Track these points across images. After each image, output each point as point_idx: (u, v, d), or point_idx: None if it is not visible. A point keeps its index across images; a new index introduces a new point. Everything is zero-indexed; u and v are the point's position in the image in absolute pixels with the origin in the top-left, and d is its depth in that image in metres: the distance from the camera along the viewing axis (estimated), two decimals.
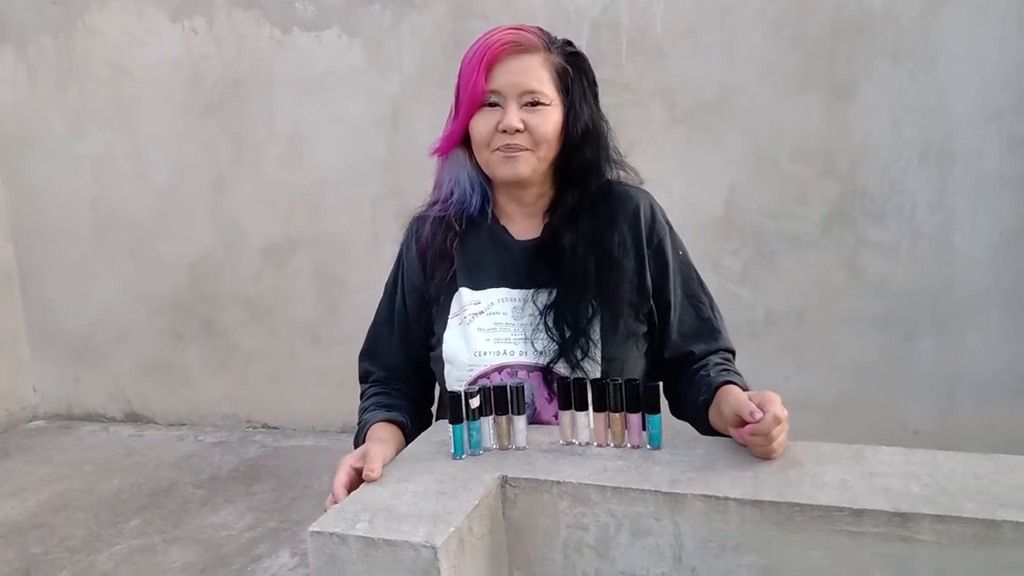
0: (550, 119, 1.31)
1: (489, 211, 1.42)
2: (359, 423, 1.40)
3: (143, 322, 4.21)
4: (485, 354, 1.32)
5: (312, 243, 3.88)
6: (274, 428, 4.07)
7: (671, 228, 1.42)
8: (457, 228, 1.40)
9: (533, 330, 1.32)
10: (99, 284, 4.26)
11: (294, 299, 3.95)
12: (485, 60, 1.29)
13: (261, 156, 3.87)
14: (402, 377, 1.47)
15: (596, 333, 1.31)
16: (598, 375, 1.29)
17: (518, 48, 1.30)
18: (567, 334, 1.29)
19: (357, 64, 3.65)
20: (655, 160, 3.10)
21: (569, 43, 1.38)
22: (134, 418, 4.33)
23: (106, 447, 3.98)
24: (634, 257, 1.36)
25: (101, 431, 4.23)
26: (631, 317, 1.35)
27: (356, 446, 1.34)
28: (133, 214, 4.12)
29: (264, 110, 3.82)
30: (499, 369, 1.31)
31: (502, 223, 1.42)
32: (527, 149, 1.30)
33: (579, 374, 1.28)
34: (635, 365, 1.37)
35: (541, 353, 1.30)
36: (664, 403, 1.32)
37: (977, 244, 3.00)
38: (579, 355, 1.29)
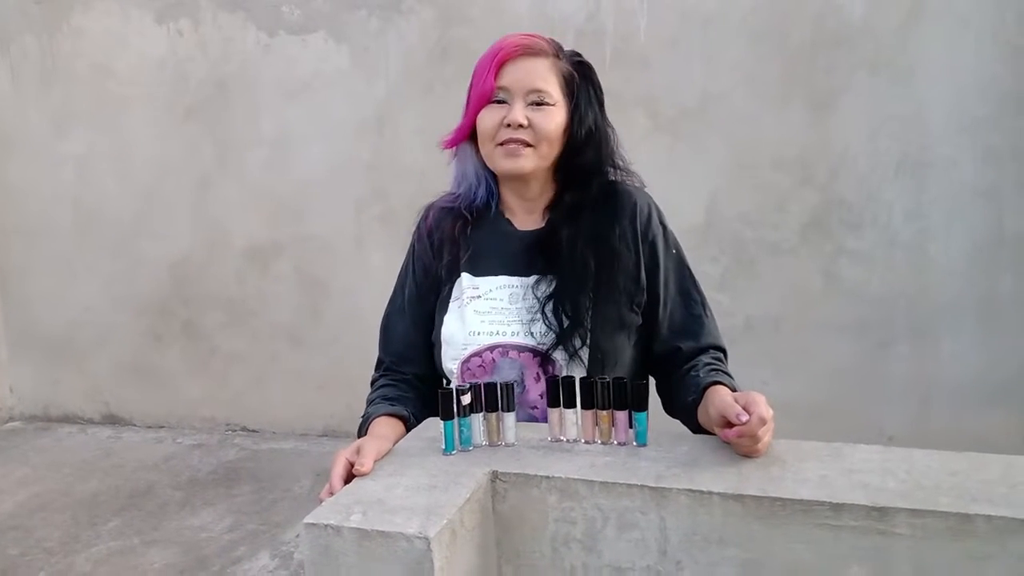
0: (553, 119, 1.37)
1: (494, 204, 1.48)
2: (364, 415, 1.42)
3: (123, 323, 4.20)
4: (479, 334, 1.37)
5: (295, 246, 3.88)
6: (254, 431, 4.07)
7: (666, 228, 1.47)
8: (468, 217, 1.46)
9: (531, 317, 1.36)
10: (79, 285, 4.23)
11: (276, 302, 3.95)
12: (497, 59, 1.37)
13: (245, 158, 3.88)
14: (411, 360, 1.49)
15: (592, 323, 1.35)
16: (591, 364, 1.34)
17: (528, 51, 1.38)
18: (565, 324, 1.34)
19: (343, 68, 3.66)
20: (637, 167, 3.10)
21: (577, 54, 1.45)
22: (112, 420, 4.31)
23: (84, 449, 3.96)
24: (632, 251, 1.41)
25: (79, 433, 4.21)
26: (626, 308, 1.39)
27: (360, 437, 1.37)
28: (115, 215, 4.11)
29: (249, 113, 3.83)
30: (491, 348, 1.36)
31: (506, 216, 1.48)
32: (530, 145, 1.36)
33: (575, 362, 1.33)
34: (626, 356, 1.41)
35: (537, 339, 1.35)
36: (656, 401, 1.36)
37: (951, 253, 3.06)
38: (577, 344, 1.33)
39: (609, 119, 1.47)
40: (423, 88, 3.49)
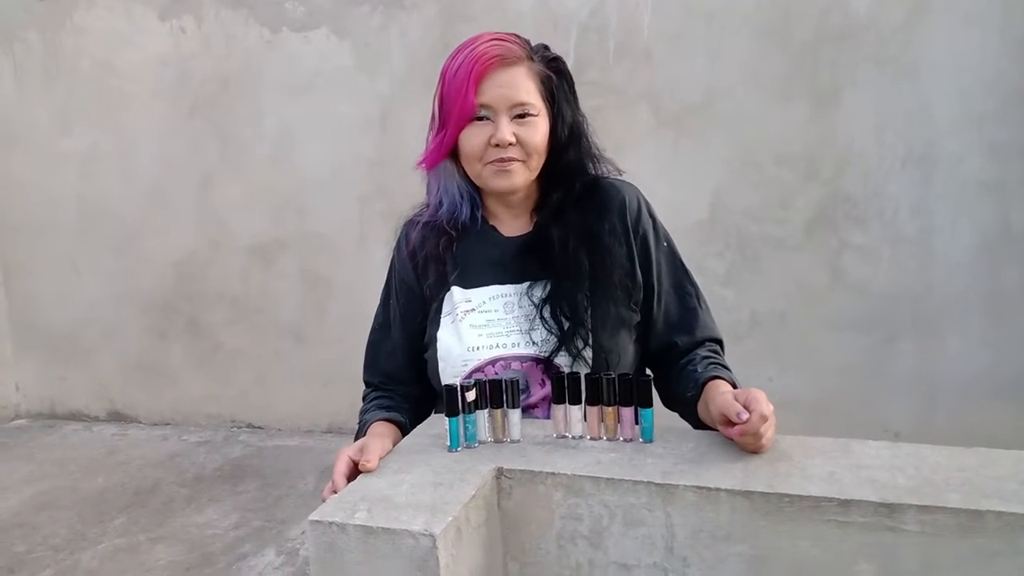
0: (539, 130, 1.34)
1: (479, 216, 1.45)
2: (360, 422, 1.41)
3: (128, 320, 4.20)
4: (478, 348, 1.34)
5: (299, 243, 3.88)
6: (258, 428, 4.07)
7: (655, 220, 1.45)
8: (452, 233, 1.42)
9: (530, 324, 1.34)
10: (84, 282, 4.24)
11: (280, 299, 3.95)
12: (474, 75, 1.31)
13: (248, 155, 3.87)
14: (401, 381, 1.48)
15: (591, 322, 1.33)
16: (595, 364, 1.32)
17: (504, 61, 1.32)
18: (565, 325, 1.32)
19: (346, 65, 3.66)
20: (641, 162, 3.12)
21: (546, 48, 1.41)
22: (117, 417, 4.31)
23: (89, 446, 3.96)
24: (624, 247, 1.39)
25: (84, 430, 4.22)
26: (624, 306, 1.38)
27: None
28: (119, 212, 4.11)
29: (252, 110, 3.82)
30: (492, 362, 1.34)
31: (491, 224, 1.46)
32: (520, 161, 1.34)
33: (579, 364, 1.31)
34: (629, 353, 1.39)
35: (539, 345, 1.32)
36: (656, 394, 1.34)
37: (957, 248, 3.05)
38: (580, 344, 1.31)
39: (581, 108, 1.44)
40: (426, 84, 3.45)
